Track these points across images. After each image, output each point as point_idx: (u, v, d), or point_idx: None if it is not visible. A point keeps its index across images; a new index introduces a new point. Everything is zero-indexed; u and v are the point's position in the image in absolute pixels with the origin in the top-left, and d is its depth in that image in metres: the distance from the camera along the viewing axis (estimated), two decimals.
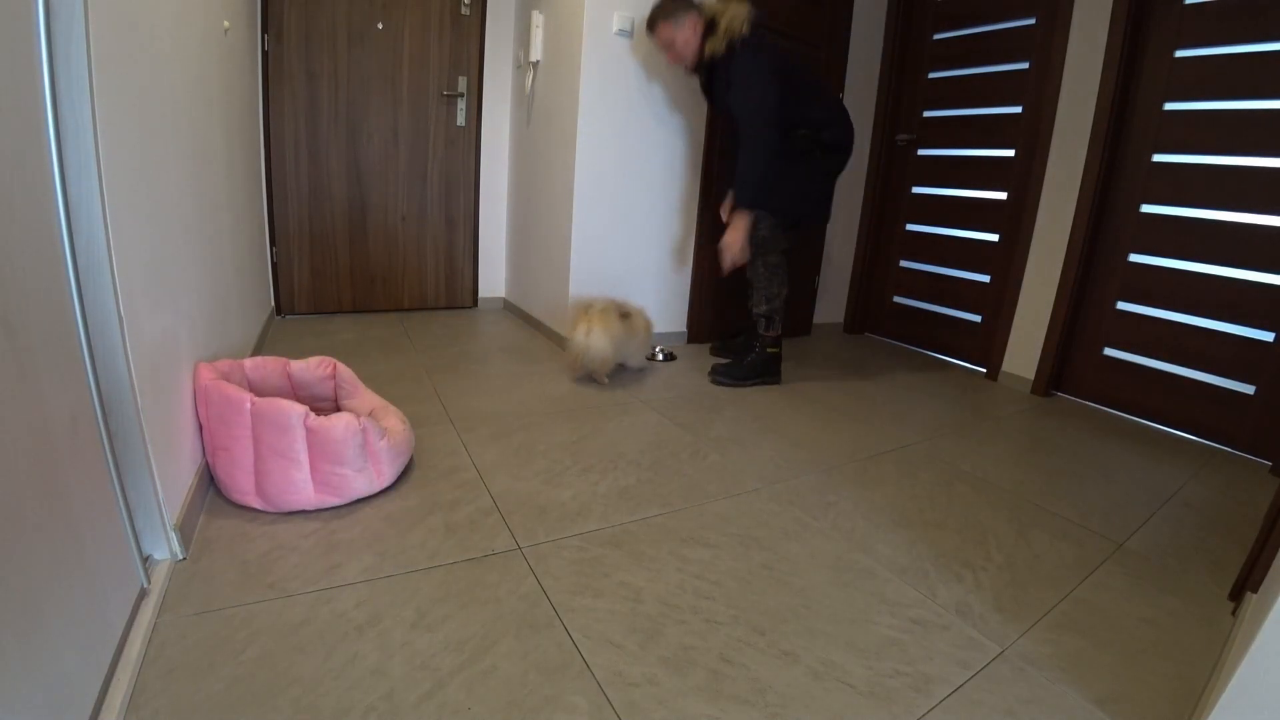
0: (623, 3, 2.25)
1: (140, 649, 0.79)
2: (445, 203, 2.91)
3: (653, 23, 2.06)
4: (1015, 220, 2.48)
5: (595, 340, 1.96)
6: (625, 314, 2.10)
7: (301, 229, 2.64)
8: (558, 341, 2.54)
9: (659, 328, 2.53)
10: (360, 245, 2.80)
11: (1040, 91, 2.36)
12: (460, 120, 2.84)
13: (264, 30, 2.39)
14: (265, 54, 2.40)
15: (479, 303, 3.21)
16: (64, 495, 0.68)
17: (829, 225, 3.08)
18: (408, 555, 1.07)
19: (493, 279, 3.23)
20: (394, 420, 1.34)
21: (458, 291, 3.07)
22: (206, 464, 1.20)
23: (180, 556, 0.99)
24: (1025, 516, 1.40)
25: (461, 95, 2.80)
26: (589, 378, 2.10)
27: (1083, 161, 2.21)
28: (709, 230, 2.68)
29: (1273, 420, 1.86)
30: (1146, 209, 2.13)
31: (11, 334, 0.59)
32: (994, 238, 2.60)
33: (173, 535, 0.97)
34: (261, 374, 1.38)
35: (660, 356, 2.44)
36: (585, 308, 2.05)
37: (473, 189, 2.94)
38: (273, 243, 2.58)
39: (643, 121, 2.41)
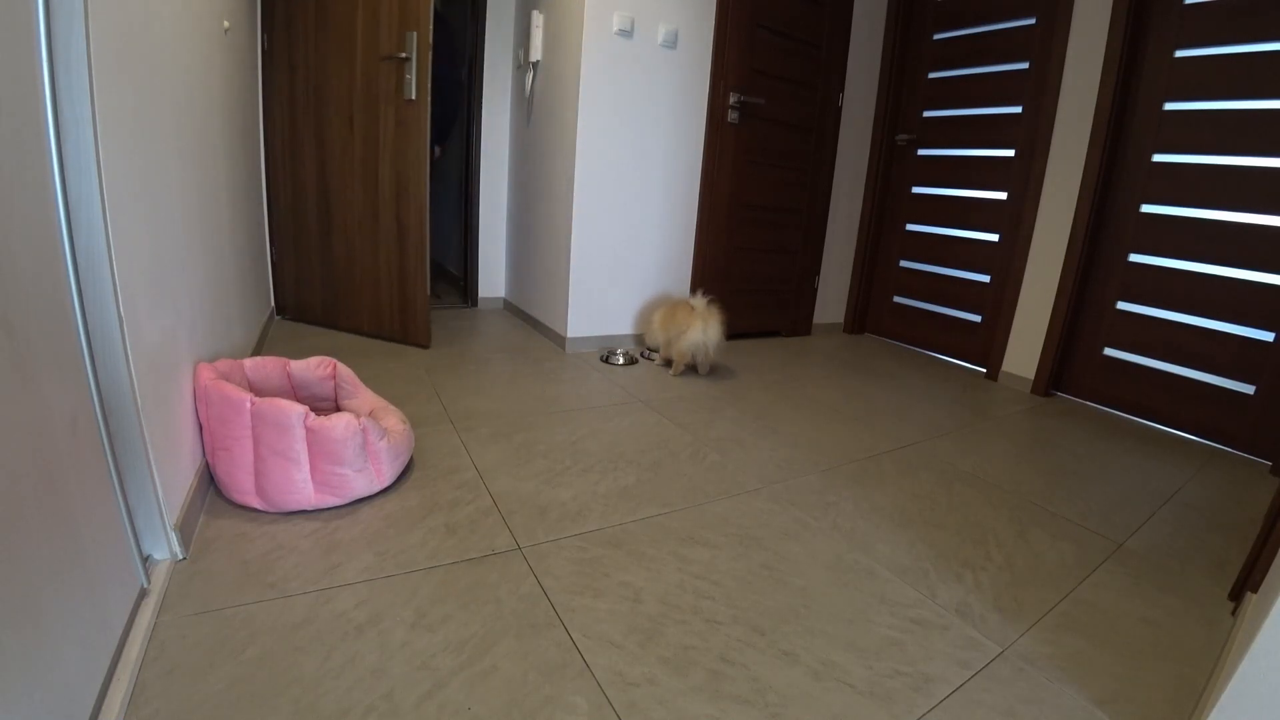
0: (623, 3, 2.25)
1: (140, 649, 0.79)
2: (396, 205, 2.31)
3: None
4: (1015, 220, 2.48)
5: (713, 334, 2.17)
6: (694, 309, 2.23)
7: (288, 231, 2.54)
8: (558, 341, 2.54)
9: None
10: (327, 253, 2.48)
11: (1040, 91, 2.36)
12: (409, 92, 2.18)
13: (263, 29, 2.38)
14: (265, 53, 2.40)
15: (479, 303, 3.21)
16: (64, 495, 0.67)
17: (829, 225, 3.10)
18: (408, 555, 1.07)
19: (493, 279, 3.23)
20: (394, 420, 1.34)
21: (412, 324, 2.39)
22: (206, 464, 1.20)
23: (180, 556, 0.99)
24: (1025, 516, 1.40)
25: (408, 58, 2.14)
26: (690, 369, 2.31)
27: (1083, 161, 2.21)
28: (709, 229, 2.68)
29: (1273, 420, 1.86)
30: (1146, 209, 2.13)
31: (11, 334, 0.59)
32: (994, 238, 2.60)
33: (173, 535, 0.97)
34: (261, 374, 1.38)
35: (621, 360, 2.39)
36: (677, 307, 2.23)
37: (424, 184, 2.24)
38: (272, 242, 2.57)
39: (643, 121, 2.41)
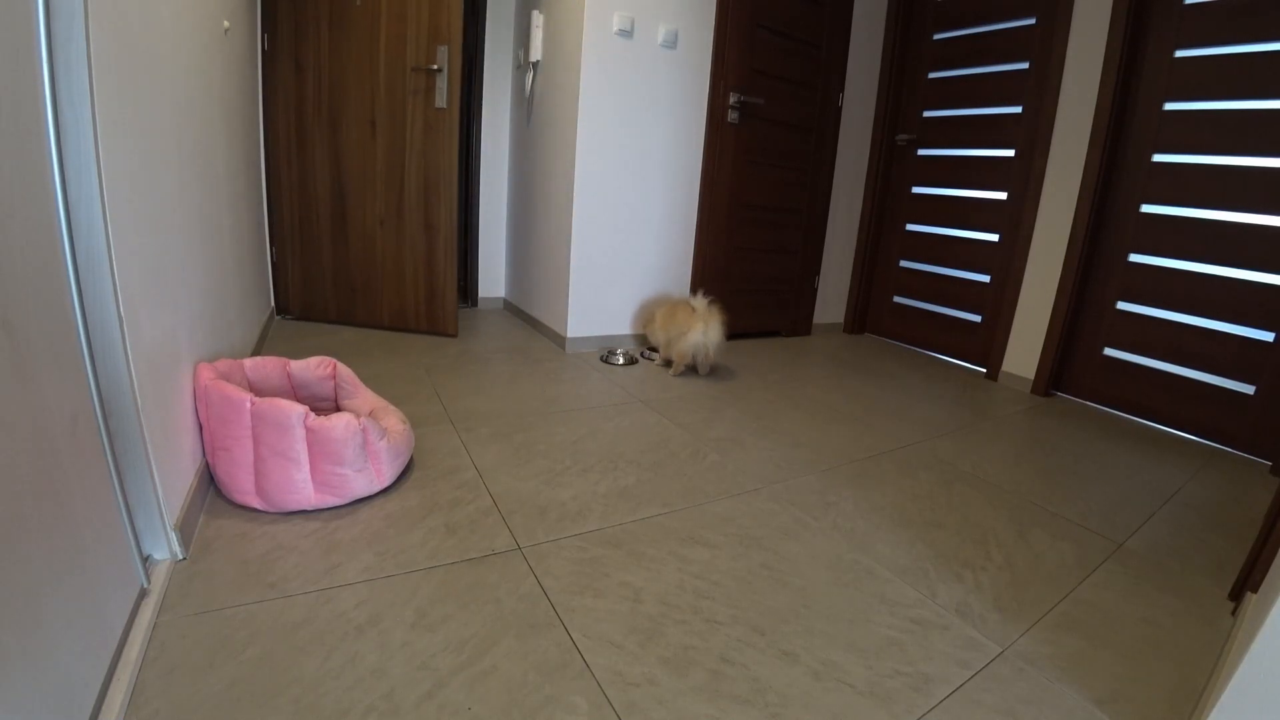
0: (623, 3, 2.25)
1: (140, 649, 0.79)
2: (424, 205, 2.45)
3: None
4: (1015, 220, 2.48)
5: (713, 335, 2.17)
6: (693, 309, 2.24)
7: (293, 231, 2.55)
8: (558, 341, 2.54)
9: None
10: (341, 251, 2.55)
11: (1040, 91, 2.36)
12: (440, 101, 2.34)
13: (263, 29, 2.38)
14: (265, 53, 2.40)
15: (479, 303, 3.21)
16: (64, 495, 0.67)
17: (829, 225, 3.09)
18: (408, 555, 1.07)
19: (493, 279, 3.23)
20: (394, 420, 1.34)
21: (439, 315, 2.56)
22: (206, 464, 1.20)
23: (180, 556, 0.99)
24: (1025, 516, 1.40)
25: (440, 70, 2.31)
26: (690, 369, 2.32)
27: (1083, 161, 2.21)
28: (709, 229, 2.68)
29: (1273, 420, 1.86)
30: (1146, 209, 2.13)
31: (11, 334, 0.59)
32: (994, 238, 2.60)
33: (173, 535, 0.97)
34: (261, 374, 1.38)
35: (621, 360, 2.39)
36: (677, 308, 2.24)
37: (454, 186, 2.42)
38: (272, 242, 2.57)
39: (643, 121, 2.41)
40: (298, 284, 2.62)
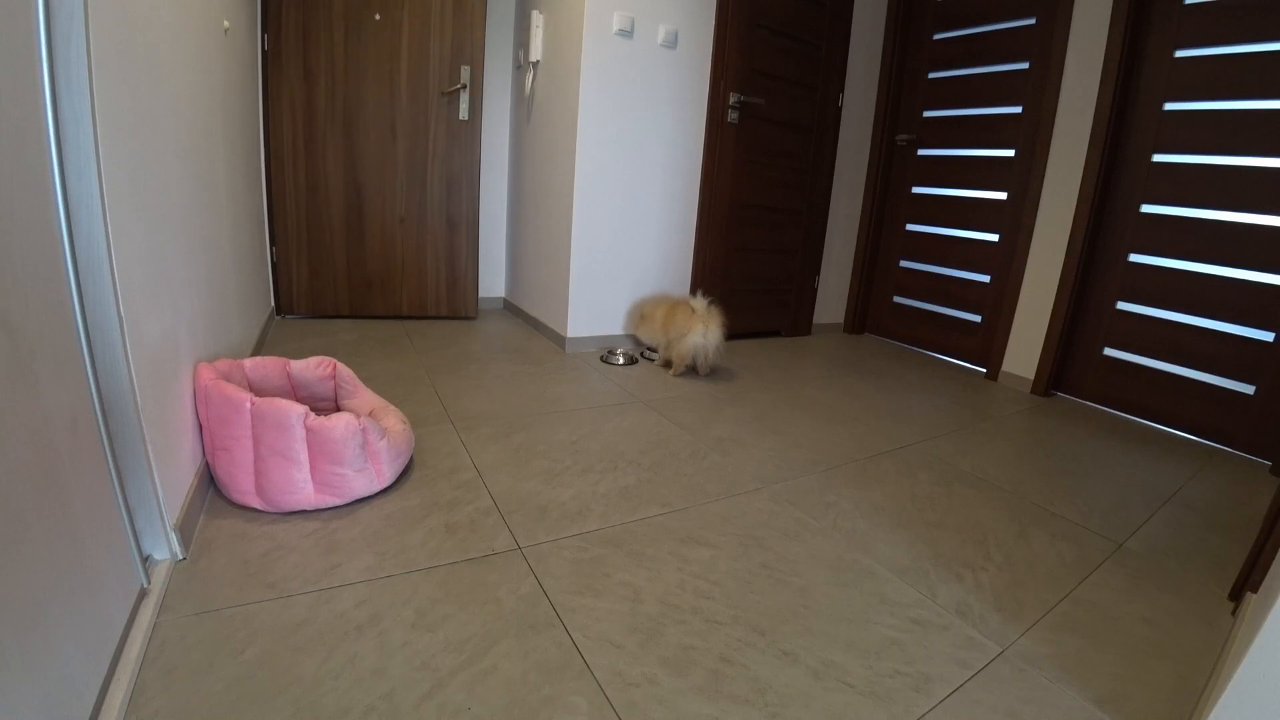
0: (623, 3, 2.25)
1: (140, 649, 0.79)
2: (446, 203, 2.73)
3: None
4: (1015, 220, 2.48)
5: (713, 337, 2.18)
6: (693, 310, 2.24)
7: (300, 230, 2.59)
8: (558, 341, 2.54)
9: None
10: (357, 248, 2.68)
11: (1040, 91, 2.36)
12: (463, 114, 2.64)
13: (264, 30, 2.38)
14: (265, 53, 2.40)
15: (479, 303, 3.21)
16: (64, 495, 0.67)
17: (829, 225, 3.09)
18: (408, 555, 1.07)
19: (493, 279, 3.23)
20: (394, 420, 1.34)
21: (460, 301, 2.86)
22: (206, 464, 1.20)
23: (180, 556, 0.99)
24: (1025, 516, 1.40)
25: (464, 87, 2.60)
26: (690, 370, 2.32)
27: (1083, 161, 2.21)
28: (709, 228, 2.68)
29: (1273, 420, 1.86)
30: (1146, 209, 2.13)
31: (11, 334, 0.59)
32: (994, 238, 2.60)
33: (173, 535, 0.97)
34: (261, 374, 1.38)
35: (621, 360, 2.39)
36: (676, 308, 2.25)
37: (476, 188, 2.75)
38: (273, 242, 2.58)
39: (643, 121, 2.41)
40: (303, 282, 2.65)
